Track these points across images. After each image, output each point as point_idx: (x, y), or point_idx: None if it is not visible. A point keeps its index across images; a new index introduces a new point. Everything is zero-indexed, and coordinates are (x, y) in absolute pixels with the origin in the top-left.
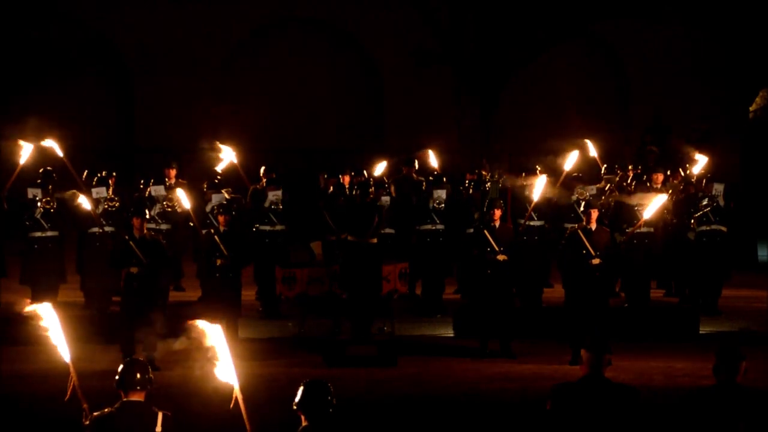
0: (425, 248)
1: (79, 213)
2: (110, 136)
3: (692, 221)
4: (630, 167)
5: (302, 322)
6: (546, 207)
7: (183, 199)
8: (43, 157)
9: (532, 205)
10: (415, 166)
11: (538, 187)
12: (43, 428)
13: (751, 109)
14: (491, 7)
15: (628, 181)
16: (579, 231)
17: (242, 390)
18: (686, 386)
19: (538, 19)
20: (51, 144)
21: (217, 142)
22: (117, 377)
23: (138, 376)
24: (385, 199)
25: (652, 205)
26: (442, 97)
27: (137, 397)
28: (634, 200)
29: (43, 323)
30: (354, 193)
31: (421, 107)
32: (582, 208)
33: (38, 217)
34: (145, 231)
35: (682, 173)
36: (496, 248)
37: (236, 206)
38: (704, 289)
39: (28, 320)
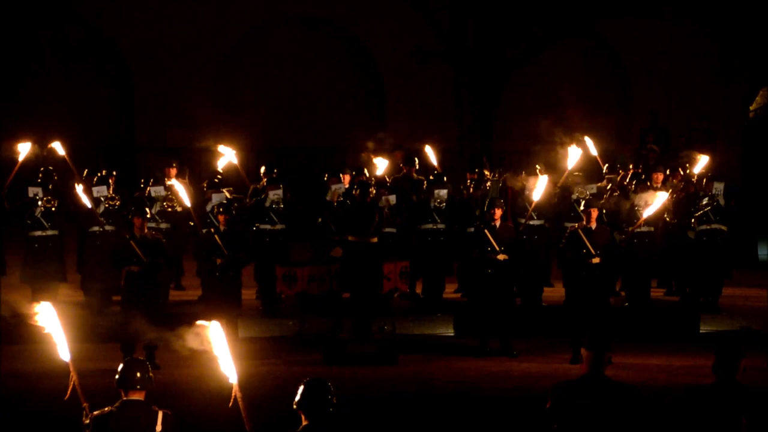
0: (426, 247)
1: (79, 212)
2: (110, 135)
3: (692, 220)
4: (631, 166)
5: (302, 321)
6: (546, 206)
7: (181, 192)
8: (43, 155)
9: (533, 204)
10: (415, 165)
11: (539, 186)
12: (43, 427)
13: (751, 108)
14: (491, 6)
15: (628, 180)
16: (579, 230)
17: (242, 388)
18: (687, 384)
19: (538, 17)
20: (56, 145)
21: (218, 143)
22: (117, 376)
23: (138, 375)
24: (391, 198)
25: (653, 204)
26: (442, 96)
27: (137, 396)
28: (634, 199)
29: (43, 322)
30: (354, 192)
31: (421, 106)
32: (582, 207)
33: (39, 216)
34: (146, 230)
35: (682, 172)
36: (497, 247)
37: (236, 205)
38: (705, 288)
39: (28, 319)
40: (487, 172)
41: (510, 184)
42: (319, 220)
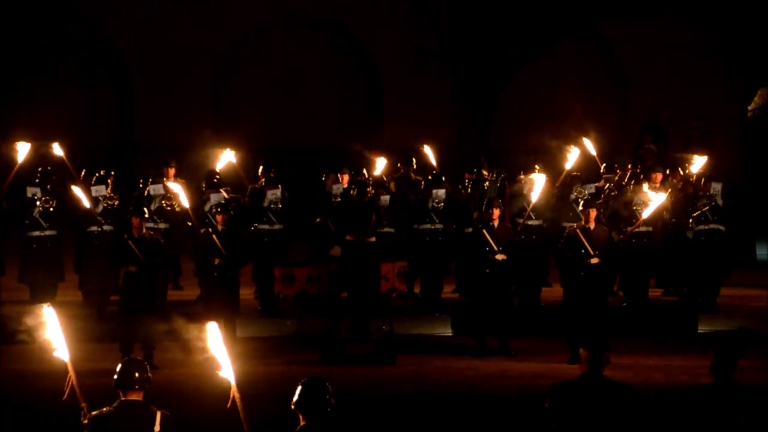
0: (424, 247)
1: (78, 211)
2: (110, 135)
3: (690, 220)
4: (629, 166)
5: (301, 321)
6: (545, 206)
7: (180, 193)
8: (42, 155)
9: (531, 204)
10: (413, 165)
11: (537, 186)
12: (41, 427)
13: (749, 108)
14: (491, 6)
15: (626, 180)
16: (578, 230)
17: (240, 389)
18: (685, 384)
19: (538, 17)
20: (56, 147)
21: (216, 143)
22: (115, 376)
23: (136, 375)
24: (385, 198)
25: (651, 204)
26: (441, 96)
27: (136, 396)
28: (632, 199)
29: (41, 322)
30: (352, 191)
31: (420, 106)
32: (581, 207)
33: (37, 216)
34: (144, 230)
35: (681, 172)
36: (495, 247)
37: (234, 205)
38: (703, 288)
39: (27, 319)
40: (485, 172)
41: (508, 191)
42: (318, 219)
